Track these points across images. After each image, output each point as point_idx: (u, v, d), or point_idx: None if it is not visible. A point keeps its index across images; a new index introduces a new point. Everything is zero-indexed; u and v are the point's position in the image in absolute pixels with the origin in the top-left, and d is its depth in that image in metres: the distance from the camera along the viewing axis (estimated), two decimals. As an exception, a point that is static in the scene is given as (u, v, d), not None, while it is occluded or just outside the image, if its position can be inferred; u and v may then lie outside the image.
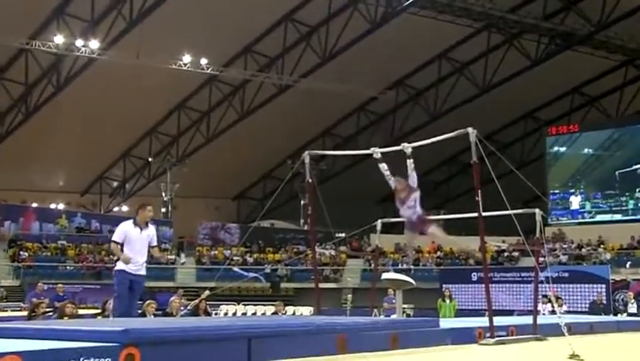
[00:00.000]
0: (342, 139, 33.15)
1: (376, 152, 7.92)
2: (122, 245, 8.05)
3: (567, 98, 32.66)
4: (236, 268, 25.52)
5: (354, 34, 25.58)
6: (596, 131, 30.98)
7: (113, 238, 8.30)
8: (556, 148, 31.83)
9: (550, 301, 14.38)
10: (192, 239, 31.73)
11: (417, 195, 7.66)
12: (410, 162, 7.66)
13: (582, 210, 30.79)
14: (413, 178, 7.65)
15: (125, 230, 8.12)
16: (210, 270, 27.12)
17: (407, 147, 7.68)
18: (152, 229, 8.31)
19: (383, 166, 7.86)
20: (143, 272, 8.19)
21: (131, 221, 8.25)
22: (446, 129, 8.00)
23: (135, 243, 8.07)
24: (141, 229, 8.14)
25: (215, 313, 19.04)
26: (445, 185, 37.95)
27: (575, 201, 30.93)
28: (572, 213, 30.97)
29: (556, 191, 31.51)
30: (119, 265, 8.08)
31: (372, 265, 23.16)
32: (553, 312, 14.02)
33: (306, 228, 30.90)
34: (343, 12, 25.27)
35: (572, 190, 31.19)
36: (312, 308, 19.33)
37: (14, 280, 24.76)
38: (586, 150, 31.25)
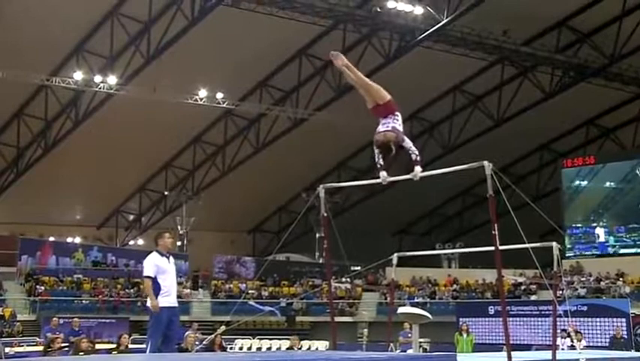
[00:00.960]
0: (357, 172, 33.18)
1: (385, 179, 7.35)
2: (154, 279, 7.75)
3: (582, 130, 32.59)
4: (251, 302, 25.46)
5: (369, 67, 25.76)
6: (617, 165, 30.49)
7: (145, 274, 7.83)
8: (577, 182, 31.53)
9: (569, 335, 14.19)
10: (207, 273, 31.71)
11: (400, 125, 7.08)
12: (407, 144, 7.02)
13: (606, 243, 30.38)
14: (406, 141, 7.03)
15: (155, 262, 7.80)
16: (225, 304, 27.03)
17: (418, 174, 7.15)
18: (172, 258, 8.09)
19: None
20: (177, 304, 7.97)
21: (155, 252, 7.93)
22: (461, 162, 8.00)
23: (168, 273, 7.82)
24: (168, 258, 7.92)
25: (231, 348, 18.96)
26: (459, 218, 37.83)
27: (602, 234, 30.39)
28: (600, 247, 30.30)
29: (579, 225, 31.12)
30: (160, 302, 7.69)
31: (388, 298, 23.00)
32: (572, 347, 13.82)
33: (321, 261, 30.80)
34: (357, 46, 25.52)
35: (594, 224, 30.81)
36: (327, 343, 19.21)
37: (30, 314, 24.79)
38: (607, 184, 30.89)
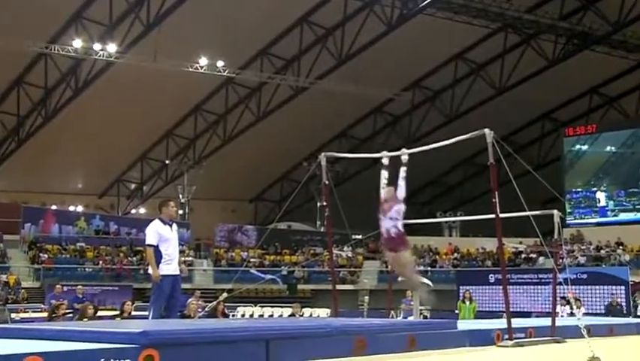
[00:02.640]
0: (358, 141, 33.15)
1: (385, 155, 7.60)
2: (156, 247, 7.71)
3: (585, 99, 32.42)
4: (253, 270, 25.64)
5: (370, 35, 25.58)
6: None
7: (148, 242, 7.77)
8: (577, 146, 31.47)
9: (568, 303, 14.30)
10: (209, 241, 31.88)
11: (401, 207, 7.16)
12: (403, 171, 7.25)
13: (606, 208, 30.41)
14: (402, 190, 7.20)
15: (158, 230, 7.74)
16: (227, 272, 27.23)
17: (404, 154, 7.40)
18: (175, 226, 8.03)
19: (384, 174, 7.51)
20: (179, 272, 7.98)
21: (157, 220, 7.86)
22: (463, 131, 7.96)
23: (170, 241, 7.78)
24: (171, 226, 7.87)
25: (233, 315, 19.14)
26: (460, 187, 37.86)
27: (602, 198, 30.40)
28: (600, 211, 30.35)
29: (579, 189, 31.17)
30: (162, 270, 7.69)
31: (389, 267, 23.15)
32: (571, 314, 13.93)
33: (322, 230, 30.91)
34: (359, 14, 25.28)
35: (595, 189, 30.84)
36: (329, 310, 19.38)
37: (34, 281, 25.04)
38: (608, 148, 30.85)
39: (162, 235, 7.80)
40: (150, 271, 7.86)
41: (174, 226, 8.02)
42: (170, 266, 7.80)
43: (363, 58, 26.59)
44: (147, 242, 7.85)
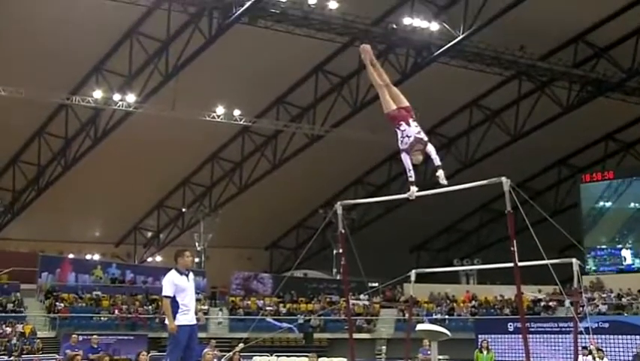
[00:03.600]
0: (374, 188, 33.19)
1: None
2: (173, 298, 7.77)
3: (601, 145, 32.36)
4: (269, 319, 25.42)
5: (385, 84, 25.83)
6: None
7: (164, 294, 7.82)
8: (601, 203, 31.00)
9: (590, 353, 14.01)
10: (225, 289, 31.73)
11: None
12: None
13: (632, 265, 29.75)
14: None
15: (174, 280, 7.81)
16: (243, 320, 27.00)
17: (413, 193, 7.63)
18: (192, 275, 8.09)
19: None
20: (195, 321, 8.03)
21: (174, 271, 7.93)
22: (478, 177, 8.00)
23: (187, 291, 7.84)
24: (187, 276, 7.93)
25: (248, 365, 18.91)
26: (476, 233, 37.62)
27: (629, 256, 29.78)
28: (627, 269, 29.49)
29: (603, 246, 30.69)
30: (179, 320, 7.75)
31: (407, 315, 22.88)
32: (593, 364, 13.63)
33: (339, 277, 30.70)
34: (374, 62, 25.60)
35: (619, 246, 30.34)
36: (345, 360, 19.11)
37: (50, 331, 24.94)
38: (632, 205, 30.38)
39: (179, 285, 7.84)
40: (167, 322, 7.86)
41: (190, 275, 8.04)
42: (187, 316, 7.79)
43: (378, 105, 26.61)
44: (164, 294, 7.88)
